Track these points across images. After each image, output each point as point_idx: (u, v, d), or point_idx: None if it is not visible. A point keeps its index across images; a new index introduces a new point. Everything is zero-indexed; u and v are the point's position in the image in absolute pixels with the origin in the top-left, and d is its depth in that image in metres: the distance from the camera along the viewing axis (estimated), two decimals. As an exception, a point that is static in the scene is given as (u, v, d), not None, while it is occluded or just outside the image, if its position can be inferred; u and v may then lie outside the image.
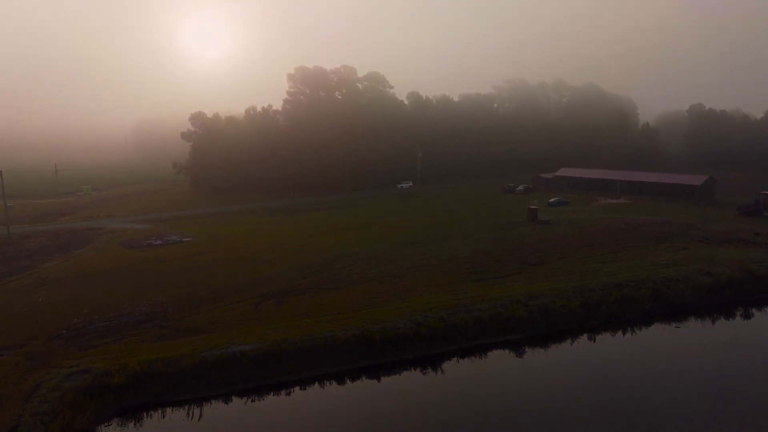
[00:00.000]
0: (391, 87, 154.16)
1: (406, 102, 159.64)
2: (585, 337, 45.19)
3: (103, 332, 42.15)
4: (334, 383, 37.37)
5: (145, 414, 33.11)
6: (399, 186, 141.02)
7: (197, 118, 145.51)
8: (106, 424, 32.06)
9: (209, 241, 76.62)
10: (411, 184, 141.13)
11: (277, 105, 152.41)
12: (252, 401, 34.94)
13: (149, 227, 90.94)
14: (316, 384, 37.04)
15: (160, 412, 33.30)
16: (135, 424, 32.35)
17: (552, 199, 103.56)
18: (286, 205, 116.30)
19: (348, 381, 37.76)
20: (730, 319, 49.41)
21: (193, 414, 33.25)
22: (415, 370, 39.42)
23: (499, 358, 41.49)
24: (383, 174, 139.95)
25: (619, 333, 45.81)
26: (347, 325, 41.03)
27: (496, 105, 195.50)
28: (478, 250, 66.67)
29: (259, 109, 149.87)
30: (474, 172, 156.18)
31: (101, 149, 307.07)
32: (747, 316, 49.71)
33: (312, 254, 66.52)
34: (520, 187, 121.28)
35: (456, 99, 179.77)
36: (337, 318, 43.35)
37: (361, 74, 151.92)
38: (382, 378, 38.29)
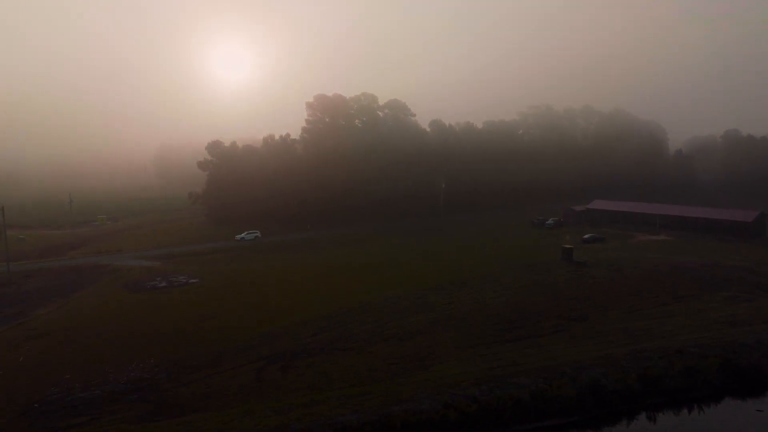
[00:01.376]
0: (413, 115, 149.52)
1: (428, 130, 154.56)
2: (644, 417, 37.97)
3: (79, 407, 36.48)
4: (344, 482, 30.91)
5: None
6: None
7: (214, 147, 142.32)
8: None
9: (217, 284, 71.25)
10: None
11: (297, 133, 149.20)
12: None
13: (157, 265, 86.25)
14: (323, 484, 30.63)
15: None
16: None
17: (586, 236, 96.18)
18: (303, 239, 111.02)
19: (361, 480, 31.25)
20: (817, 395, 41.53)
21: None
22: (442, 462, 32.75)
23: (542, 448, 34.53)
24: (406, 204, 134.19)
25: (684, 413, 38.45)
26: (362, 406, 34.61)
27: (521, 132, 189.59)
28: (509, 299, 59.84)
29: (277, 137, 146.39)
30: (499, 202, 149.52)
31: (124, 175, 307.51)
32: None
33: (326, 301, 60.54)
34: (550, 221, 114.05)
35: (480, 126, 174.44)
36: (350, 393, 36.98)
37: (382, 102, 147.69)
38: (402, 476, 31.69)
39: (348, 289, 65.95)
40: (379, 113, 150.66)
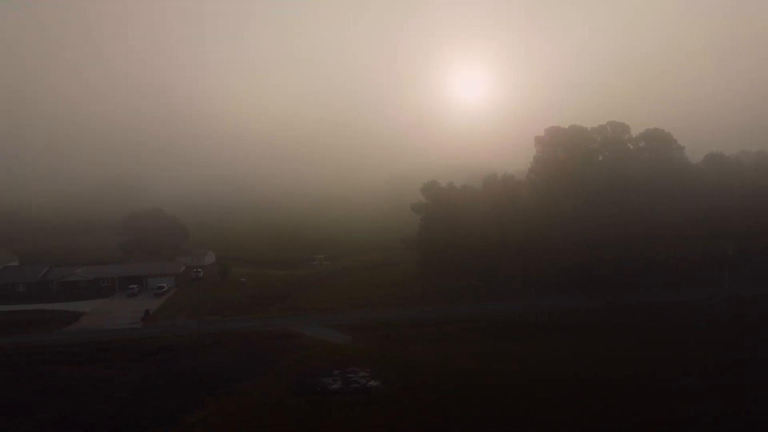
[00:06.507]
0: (681, 147, 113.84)
1: (702, 166, 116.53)
2: None
3: None
4: None
5: None
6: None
7: (429, 189, 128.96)
8: None
9: (398, 394, 53.96)
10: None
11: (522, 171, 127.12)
12: None
13: (346, 342, 73.80)
14: None
15: None
16: None
17: None
18: (524, 312, 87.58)
19: None
20: None
21: None
22: None
23: None
24: (670, 270, 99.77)
25: None
26: None
27: None
28: None
29: (500, 176, 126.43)
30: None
31: (356, 206, 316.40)
32: None
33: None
34: None
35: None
36: None
37: (635, 132, 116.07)
38: None
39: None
40: (630, 146, 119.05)
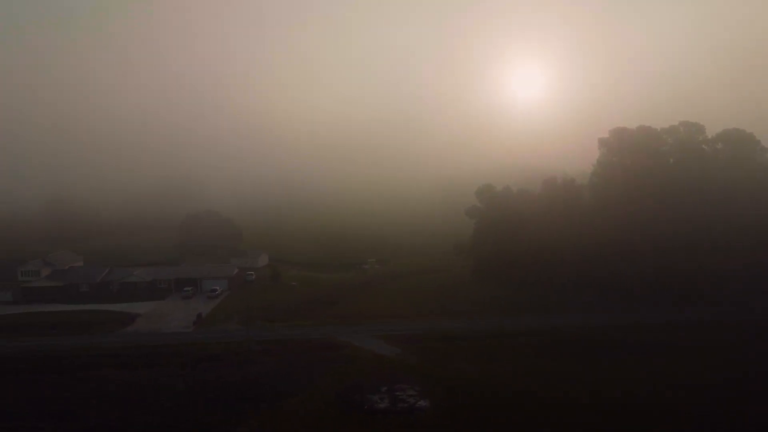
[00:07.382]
0: (766, 149, 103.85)
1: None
2: None
3: None
4: None
5: None
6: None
7: (484, 192, 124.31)
8: None
9: (447, 417, 50.46)
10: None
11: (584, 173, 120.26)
12: None
13: (395, 354, 70.73)
14: None
15: None
16: None
17: None
18: (587, 326, 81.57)
19: None
20: None
21: None
22: None
23: None
24: (748, 280, 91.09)
25: None
26: None
27: None
28: None
29: (560, 180, 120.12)
30: None
31: (413, 205, 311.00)
32: None
33: None
34: None
35: None
36: None
37: (711, 133, 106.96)
38: None
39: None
40: (704, 147, 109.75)
